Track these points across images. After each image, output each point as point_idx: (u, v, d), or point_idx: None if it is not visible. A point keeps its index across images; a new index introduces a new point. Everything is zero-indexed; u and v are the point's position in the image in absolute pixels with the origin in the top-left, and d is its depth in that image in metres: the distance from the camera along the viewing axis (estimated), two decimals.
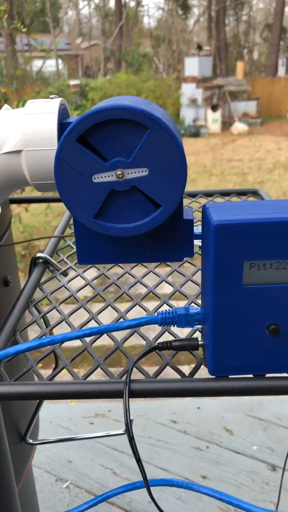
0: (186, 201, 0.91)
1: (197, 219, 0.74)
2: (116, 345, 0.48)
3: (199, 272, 0.55)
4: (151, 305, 0.56)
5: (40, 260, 0.64)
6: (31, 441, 0.72)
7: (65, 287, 0.60)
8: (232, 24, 22.09)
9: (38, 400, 0.79)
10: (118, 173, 0.39)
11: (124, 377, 0.41)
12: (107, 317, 0.56)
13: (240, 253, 0.38)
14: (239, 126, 10.42)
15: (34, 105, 0.45)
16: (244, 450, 1.66)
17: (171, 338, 0.47)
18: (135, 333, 0.49)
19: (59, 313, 0.55)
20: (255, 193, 0.91)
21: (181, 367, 0.45)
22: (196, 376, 0.45)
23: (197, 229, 0.46)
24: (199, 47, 11.73)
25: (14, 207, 4.26)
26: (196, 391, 0.41)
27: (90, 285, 0.60)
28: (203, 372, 0.44)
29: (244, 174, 6.90)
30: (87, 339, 0.48)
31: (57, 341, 0.42)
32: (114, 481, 1.55)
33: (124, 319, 0.53)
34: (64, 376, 1.85)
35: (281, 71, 16.64)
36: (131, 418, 0.86)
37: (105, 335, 0.46)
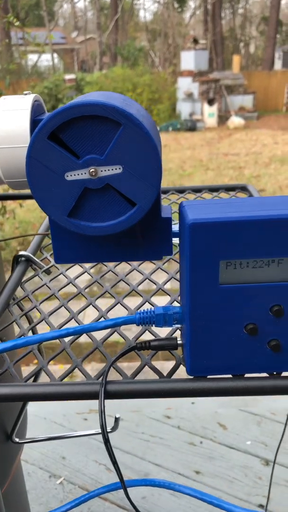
0: (174, 197, 0.90)
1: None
2: (95, 344, 0.47)
3: None
4: (133, 303, 0.55)
5: (23, 258, 0.64)
6: (17, 440, 0.72)
7: (47, 286, 0.60)
8: (228, 17, 21.97)
9: None
10: (91, 170, 0.38)
11: (101, 379, 0.40)
12: (92, 315, 0.56)
13: (216, 252, 0.38)
14: (235, 120, 10.39)
15: (7, 102, 0.44)
16: (238, 445, 1.66)
17: (152, 337, 0.46)
18: (115, 332, 0.49)
19: (40, 312, 0.54)
20: (243, 188, 0.90)
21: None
22: (177, 376, 0.44)
23: (176, 227, 0.45)
24: (195, 41, 11.67)
25: (9, 203, 4.24)
26: (173, 392, 0.40)
27: (72, 284, 0.60)
28: (184, 373, 0.43)
29: (241, 168, 6.89)
30: (66, 339, 0.47)
31: (33, 342, 0.42)
32: (107, 477, 1.55)
33: (105, 318, 0.52)
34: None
35: (277, 65, 16.57)
36: (118, 416, 0.85)
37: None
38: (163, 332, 0.48)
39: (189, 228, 0.37)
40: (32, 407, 1.92)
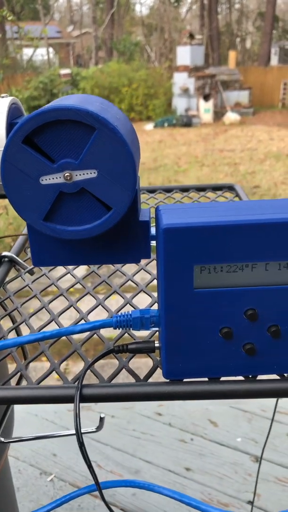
0: (160, 196, 0.90)
1: None
2: (73, 347, 0.47)
3: None
4: (117, 303, 0.55)
5: (6, 259, 0.63)
6: (2, 439, 0.72)
7: (29, 287, 0.60)
8: (225, 13, 21.89)
9: None
10: (66, 174, 0.38)
11: (77, 383, 0.41)
12: (74, 316, 0.56)
13: (190, 257, 0.38)
14: (231, 116, 10.37)
15: None
16: (228, 442, 1.67)
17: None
18: (95, 334, 0.49)
19: (20, 314, 0.54)
20: (231, 188, 0.90)
21: None
22: (156, 378, 0.44)
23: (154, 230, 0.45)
24: (191, 36, 11.63)
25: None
26: (148, 396, 0.40)
27: (54, 285, 0.60)
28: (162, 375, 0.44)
29: (236, 164, 6.89)
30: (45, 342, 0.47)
31: (9, 345, 0.42)
32: (98, 474, 1.56)
33: (85, 320, 0.52)
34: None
35: (273, 60, 16.54)
36: (102, 415, 0.85)
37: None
38: (143, 334, 0.49)
39: (163, 233, 0.37)
40: (24, 405, 1.92)
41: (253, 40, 23.23)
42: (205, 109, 10.61)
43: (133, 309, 0.53)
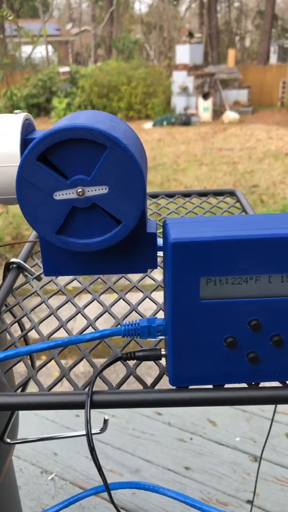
0: (163, 202, 0.92)
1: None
2: (82, 354, 0.49)
3: None
4: (122, 309, 0.57)
5: (14, 265, 0.65)
6: (8, 440, 0.74)
7: (37, 293, 0.61)
8: (224, 11, 21.87)
9: None
10: (78, 190, 0.40)
11: (87, 389, 0.42)
12: (79, 318, 0.58)
13: (196, 269, 0.39)
14: (230, 115, 10.38)
15: None
16: (227, 441, 1.69)
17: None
18: (103, 341, 0.50)
19: (30, 320, 0.56)
20: (231, 193, 0.92)
21: None
22: (161, 385, 0.46)
23: (161, 241, 0.47)
24: (190, 34, 11.63)
25: None
26: (156, 402, 0.42)
27: (62, 291, 0.61)
28: (167, 382, 0.45)
29: (235, 163, 6.90)
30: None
31: (22, 353, 0.43)
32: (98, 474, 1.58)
33: (92, 327, 0.54)
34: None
35: (272, 59, 16.55)
36: (106, 417, 0.87)
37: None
38: (149, 340, 0.50)
39: (171, 247, 0.39)
40: None
41: (252, 39, 23.23)
42: (204, 108, 10.62)
43: (138, 316, 0.55)
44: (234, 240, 0.39)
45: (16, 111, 0.46)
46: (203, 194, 0.93)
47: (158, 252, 0.48)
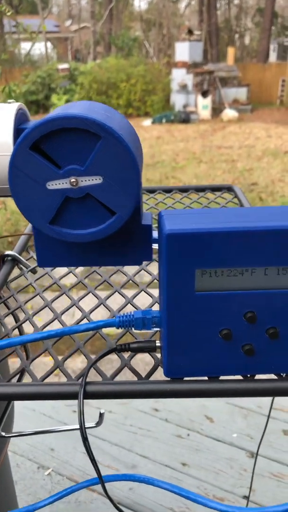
0: (160, 197, 0.91)
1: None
2: (77, 346, 0.49)
3: None
4: (119, 301, 0.56)
5: (9, 258, 0.65)
6: (3, 433, 0.73)
7: (32, 285, 0.61)
8: (224, 8, 21.82)
9: None
10: (72, 180, 0.39)
11: (80, 380, 0.42)
12: (78, 316, 0.57)
13: (192, 261, 0.39)
14: (229, 113, 10.37)
15: None
16: (224, 438, 1.69)
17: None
18: (97, 333, 0.50)
19: (24, 312, 0.55)
20: (229, 189, 0.92)
21: None
22: (156, 377, 0.46)
23: (156, 233, 0.47)
24: (190, 32, 11.60)
25: None
26: (149, 393, 0.42)
27: (57, 284, 0.61)
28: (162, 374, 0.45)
29: (233, 161, 6.89)
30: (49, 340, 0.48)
31: (15, 344, 0.43)
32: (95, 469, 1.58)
33: (87, 319, 0.54)
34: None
35: (272, 57, 16.52)
36: (102, 411, 0.87)
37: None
38: (143, 332, 0.50)
39: (166, 238, 0.38)
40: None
41: (252, 37, 23.18)
42: (203, 106, 10.61)
43: (134, 309, 0.55)
44: (230, 232, 0.39)
45: (9, 100, 0.45)
46: (200, 189, 0.93)
47: (154, 244, 0.47)
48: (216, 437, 1.69)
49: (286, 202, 5.02)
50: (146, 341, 0.46)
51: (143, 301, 0.59)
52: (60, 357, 0.47)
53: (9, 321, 0.60)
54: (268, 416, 0.87)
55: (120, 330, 0.51)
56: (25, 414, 1.81)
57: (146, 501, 1.47)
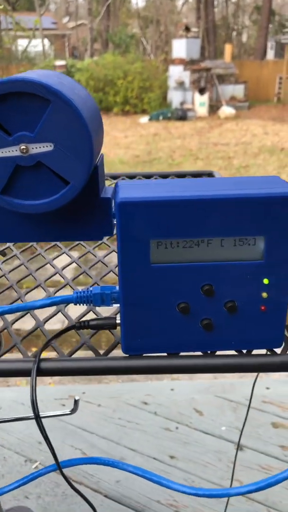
0: None
1: None
2: (37, 324, 0.48)
3: None
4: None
5: None
6: None
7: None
8: (221, 6, 21.77)
9: None
10: (22, 147, 0.38)
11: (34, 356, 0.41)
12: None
13: (146, 232, 0.38)
14: (226, 110, 10.35)
15: None
16: (213, 431, 1.68)
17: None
18: (60, 312, 0.49)
19: None
20: (210, 175, 0.90)
21: None
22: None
23: None
24: (187, 29, 11.58)
25: None
26: (106, 370, 0.41)
27: (24, 265, 0.60)
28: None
29: (230, 158, 6.88)
30: (9, 319, 0.47)
31: None
32: None
33: (42, 287, 0.52)
34: None
35: (269, 55, 16.50)
36: (77, 398, 0.85)
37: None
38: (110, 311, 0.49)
39: (118, 207, 0.37)
40: (11, 393, 1.93)
41: (250, 34, 23.14)
42: (200, 103, 10.59)
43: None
44: (184, 200, 0.37)
45: None
46: (181, 175, 0.92)
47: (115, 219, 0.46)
48: (204, 430, 1.68)
49: None
50: (106, 318, 0.45)
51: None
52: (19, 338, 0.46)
53: None
54: (249, 407, 0.86)
55: (85, 310, 0.50)
56: (14, 408, 1.80)
57: (133, 494, 1.46)
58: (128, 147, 7.71)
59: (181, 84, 10.82)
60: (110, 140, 8.31)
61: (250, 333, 0.41)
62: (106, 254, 0.57)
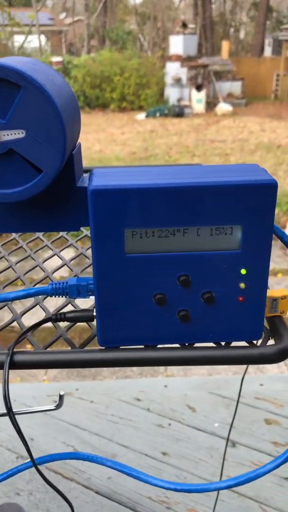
0: None
1: None
2: (14, 317, 0.47)
3: None
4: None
5: None
6: None
7: None
8: (219, 2, 21.71)
9: None
10: None
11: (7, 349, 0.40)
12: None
13: (120, 220, 0.37)
14: (223, 107, 10.34)
15: None
16: (205, 427, 1.67)
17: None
18: (38, 305, 0.48)
19: None
20: None
21: None
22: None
23: None
24: (184, 25, 11.54)
25: None
26: (81, 362, 0.40)
27: (5, 258, 0.59)
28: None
29: (227, 155, 6.87)
30: None
31: None
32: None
33: (22, 280, 0.52)
34: None
35: (267, 52, 16.47)
36: (62, 393, 0.84)
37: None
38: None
39: (91, 194, 0.36)
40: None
41: (247, 31, 23.09)
42: (197, 100, 10.56)
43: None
44: (159, 188, 0.36)
45: None
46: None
47: None
48: (197, 427, 1.68)
49: (279, 195, 5.00)
50: (83, 310, 0.44)
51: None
52: None
53: None
54: (237, 402, 0.86)
55: (63, 303, 0.49)
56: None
57: (124, 490, 1.45)
58: (124, 143, 7.69)
59: (178, 81, 10.79)
60: (106, 136, 8.28)
61: (228, 325, 0.40)
62: (89, 247, 0.56)
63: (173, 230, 0.38)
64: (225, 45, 12.63)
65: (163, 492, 1.44)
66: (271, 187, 0.36)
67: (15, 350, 0.40)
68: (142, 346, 0.42)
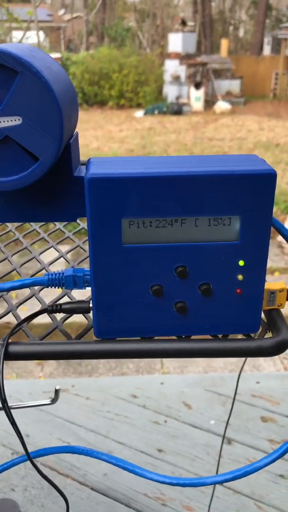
0: None
1: None
2: (9, 308, 0.46)
3: None
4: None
5: None
6: None
7: None
8: (218, 0, 21.67)
9: None
10: None
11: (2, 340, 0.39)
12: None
13: (117, 210, 0.37)
14: (222, 105, 10.33)
15: None
16: (201, 424, 1.67)
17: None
18: (34, 296, 0.48)
19: None
20: None
21: None
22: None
23: None
24: (183, 23, 11.52)
25: None
26: (77, 354, 0.39)
27: (1, 250, 0.58)
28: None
29: (225, 153, 6.86)
30: None
31: None
32: (70, 454, 1.56)
33: (18, 272, 0.51)
34: None
35: (266, 50, 16.46)
36: (58, 387, 0.84)
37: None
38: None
39: (88, 183, 0.36)
40: None
41: (246, 29, 23.07)
42: (196, 97, 10.55)
43: None
44: (157, 177, 0.36)
45: None
46: None
47: None
48: (193, 424, 1.68)
49: (276, 194, 5.00)
50: (79, 302, 0.43)
51: None
52: None
53: None
54: (234, 399, 0.85)
55: (60, 294, 0.49)
56: None
57: (120, 487, 1.45)
58: (122, 141, 7.67)
59: (176, 79, 10.78)
60: (104, 134, 8.27)
61: (225, 317, 0.40)
62: (86, 240, 0.55)
63: (170, 220, 0.37)
64: (224, 43, 12.62)
65: (159, 489, 1.44)
66: (270, 176, 0.36)
67: (10, 341, 0.39)
68: (139, 338, 0.41)
